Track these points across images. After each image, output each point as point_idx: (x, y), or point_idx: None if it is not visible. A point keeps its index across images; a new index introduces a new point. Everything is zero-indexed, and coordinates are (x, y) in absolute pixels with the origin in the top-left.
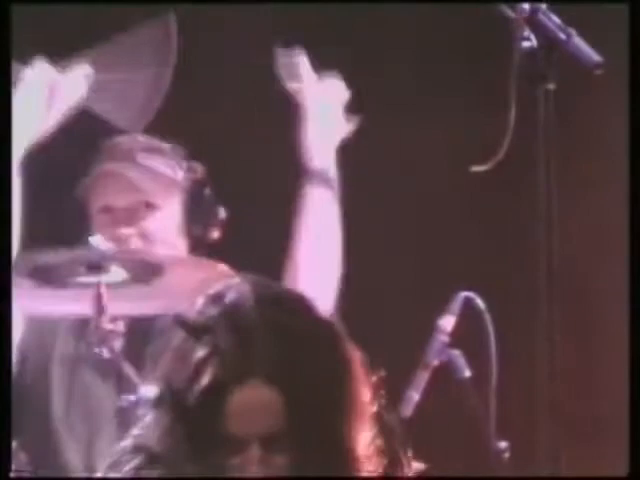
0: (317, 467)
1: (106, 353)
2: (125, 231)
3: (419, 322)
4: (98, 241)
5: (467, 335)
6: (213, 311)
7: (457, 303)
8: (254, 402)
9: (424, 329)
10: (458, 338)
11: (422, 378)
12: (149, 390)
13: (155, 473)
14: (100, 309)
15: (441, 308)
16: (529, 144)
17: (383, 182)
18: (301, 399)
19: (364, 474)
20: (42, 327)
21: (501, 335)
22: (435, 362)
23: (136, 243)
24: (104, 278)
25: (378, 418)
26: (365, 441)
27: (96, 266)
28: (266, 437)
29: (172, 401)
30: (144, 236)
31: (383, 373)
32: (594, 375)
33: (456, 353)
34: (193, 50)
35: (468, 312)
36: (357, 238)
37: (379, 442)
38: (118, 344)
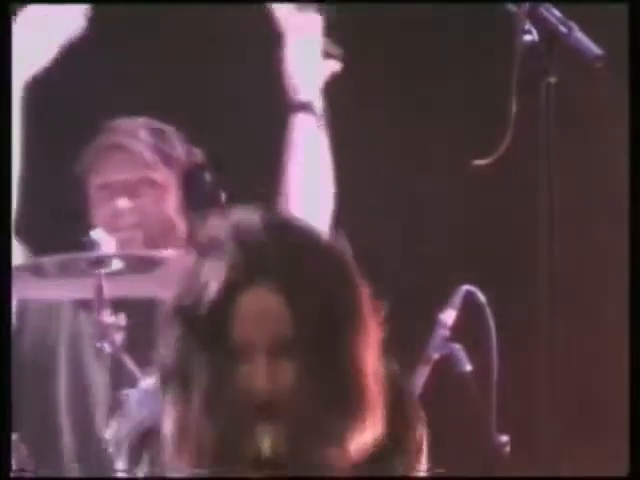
0: (323, 376)
1: (107, 347)
2: (123, 204)
3: (420, 316)
4: (99, 235)
5: (468, 329)
6: (223, 232)
7: (458, 297)
8: (261, 308)
9: (425, 323)
10: (459, 332)
11: (423, 372)
12: (150, 384)
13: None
14: (101, 303)
15: (442, 302)
16: (531, 138)
17: (383, 178)
18: (309, 308)
19: (370, 394)
20: (45, 317)
21: (502, 329)
22: (436, 356)
23: (133, 218)
24: (105, 270)
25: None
26: (372, 360)
27: (98, 262)
28: (273, 343)
29: (183, 316)
30: (142, 213)
31: (386, 306)
32: (595, 370)
33: (457, 347)
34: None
35: (469, 306)
36: (356, 234)
37: (384, 372)
38: (119, 338)
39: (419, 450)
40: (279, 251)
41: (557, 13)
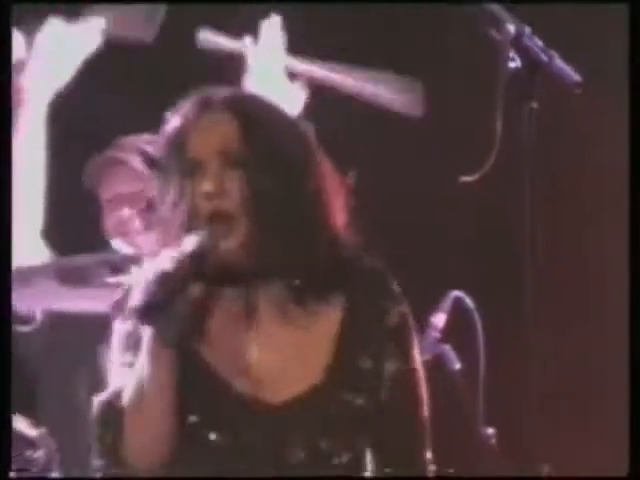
0: (274, 195)
1: None
2: (127, 212)
3: (413, 319)
4: (119, 245)
5: (457, 331)
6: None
7: (448, 302)
8: (212, 127)
9: (417, 325)
10: (449, 334)
11: None
12: None
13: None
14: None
15: (433, 306)
16: (515, 155)
17: (375, 188)
18: (260, 129)
19: (325, 212)
20: (66, 322)
21: (488, 331)
22: (427, 356)
23: (135, 225)
24: (125, 279)
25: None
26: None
27: (119, 269)
28: (223, 156)
29: (159, 157)
30: (143, 217)
31: (352, 178)
32: (595, 370)
33: (447, 347)
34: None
35: (458, 310)
36: None
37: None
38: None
39: (404, 327)
40: (237, 94)
41: (539, 42)
